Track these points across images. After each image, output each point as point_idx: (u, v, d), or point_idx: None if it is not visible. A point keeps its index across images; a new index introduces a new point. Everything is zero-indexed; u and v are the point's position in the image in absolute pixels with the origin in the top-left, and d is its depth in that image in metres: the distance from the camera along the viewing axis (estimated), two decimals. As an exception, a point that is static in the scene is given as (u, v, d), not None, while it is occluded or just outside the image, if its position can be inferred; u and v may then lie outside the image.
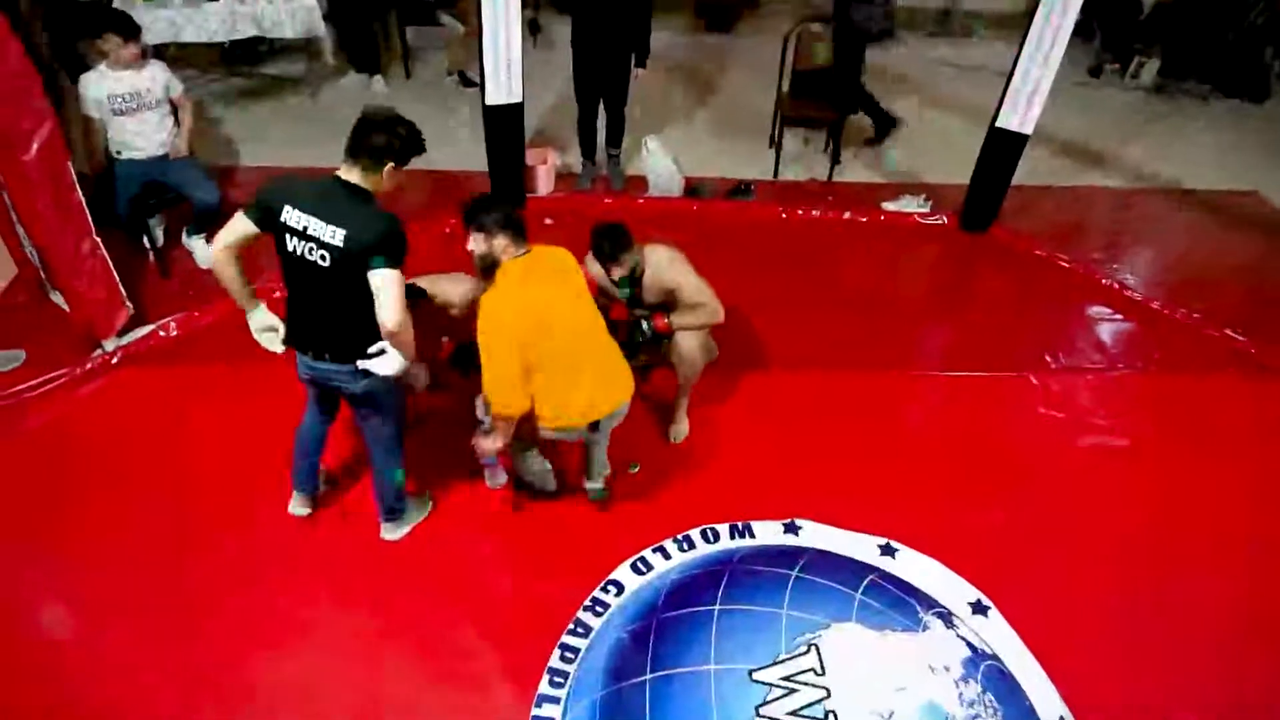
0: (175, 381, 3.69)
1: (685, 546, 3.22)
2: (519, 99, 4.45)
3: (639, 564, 3.15)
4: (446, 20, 6.24)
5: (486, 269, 2.84)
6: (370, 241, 2.40)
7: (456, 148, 5.55)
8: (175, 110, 4.14)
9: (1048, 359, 4.14)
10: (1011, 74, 4.44)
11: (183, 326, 3.91)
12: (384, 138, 2.43)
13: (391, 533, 3.13)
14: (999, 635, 2.99)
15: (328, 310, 2.59)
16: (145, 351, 3.80)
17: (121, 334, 3.75)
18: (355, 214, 2.42)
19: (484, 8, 4.10)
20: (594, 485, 3.26)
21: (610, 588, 3.06)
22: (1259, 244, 5.14)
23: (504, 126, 4.55)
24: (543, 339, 2.74)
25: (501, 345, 2.70)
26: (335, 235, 2.40)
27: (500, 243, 2.77)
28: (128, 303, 3.77)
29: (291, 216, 2.44)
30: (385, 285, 2.42)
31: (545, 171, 5.03)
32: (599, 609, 2.99)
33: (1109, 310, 4.51)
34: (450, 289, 3.34)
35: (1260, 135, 6.42)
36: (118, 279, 3.68)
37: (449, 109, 6.04)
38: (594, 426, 2.93)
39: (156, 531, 3.12)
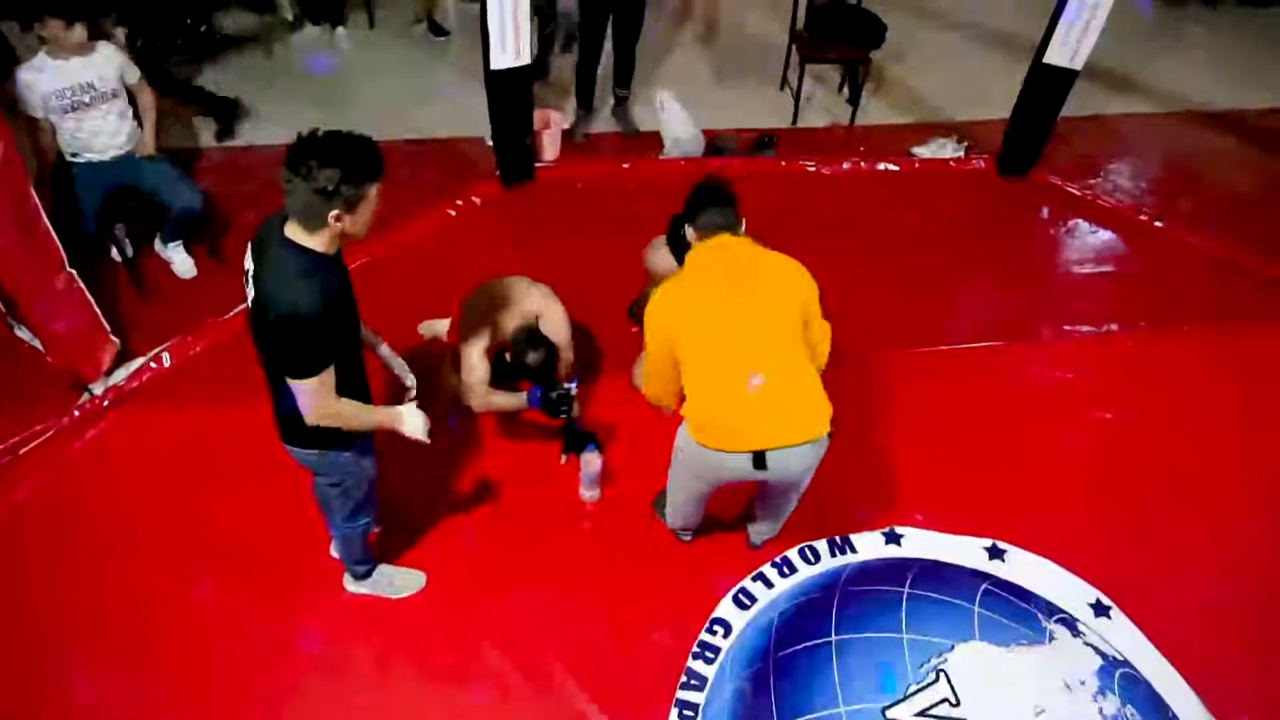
0: (178, 422, 3.23)
1: (786, 571, 2.97)
2: (527, 60, 3.94)
3: (741, 597, 2.89)
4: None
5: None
6: (265, 333, 1.92)
7: (438, 109, 5.01)
8: (133, 100, 3.55)
9: (1114, 320, 3.91)
10: (1063, 3, 4.07)
11: (176, 355, 3.42)
12: (311, 187, 1.77)
13: (349, 583, 2.80)
14: (1126, 638, 2.83)
15: (268, 377, 2.10)
16: (139, 389, 3.33)
17: (109, 373, 3.26)
18: (269, 278, 1.88)
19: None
20: (755, 537, 2.97)
21: (716, 628, 2.80)
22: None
23: (510, 92, 4.04)
24: (699, 339, 2.31)
25: (653, 340, 2.40)
26: (250, 297, 1.95)
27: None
28: (113, 337, 3.27)
29: (246, 259, 1.98)
30: (295, 391, 1.97)
31: (550, 136, 4.54)
32: (710, 655, 2.74)
33: (1176, 261, 4.26)
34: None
35: (1269, 41, 6.16)
36: (99, 312, 3.17)
37: (423, 63, 5.42)
38: (759, 462, 2.30)
39: (194, 613, 2.73)
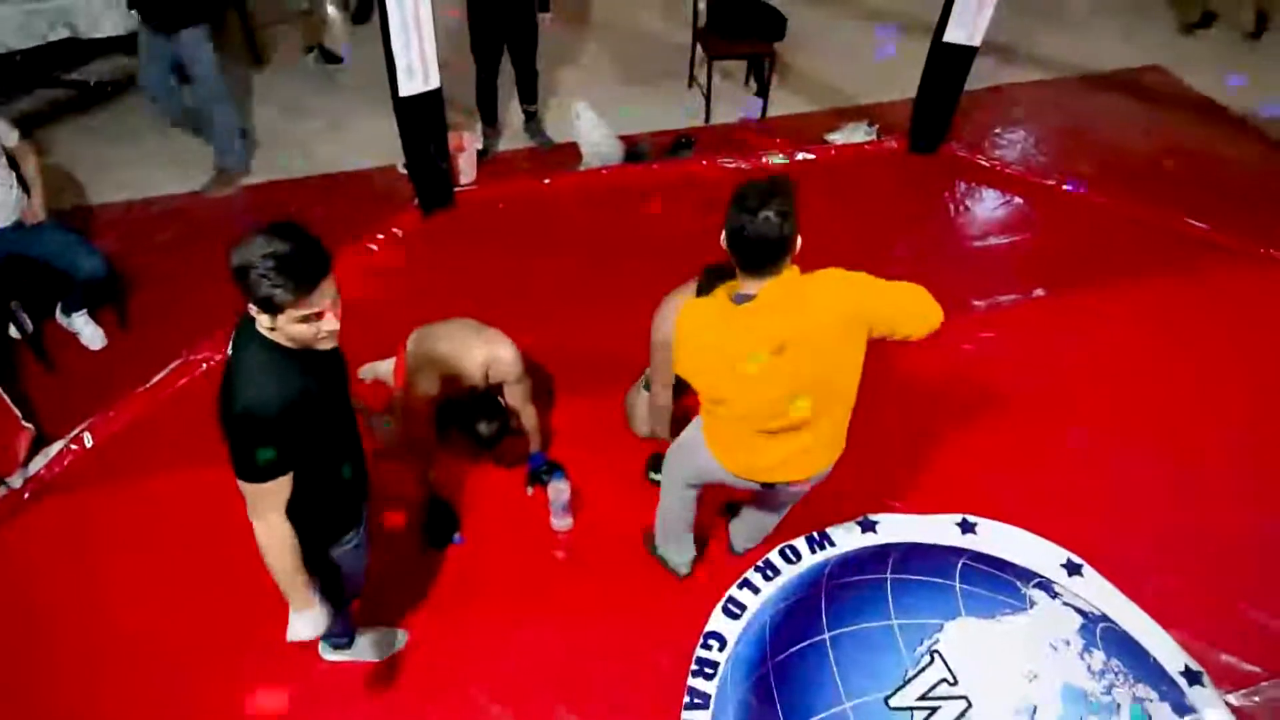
0: (107, 506, 3.02)
1: (770, 574, 2.96)
2: (436, 84, 3.82)
3: (730, 606, 2.86)
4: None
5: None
6: (222, 423, 1.75)
7: (342, 141, 4.83)
8: (14, 164, 3.27)
9: (1040, 285, 4.04)
10: (957, -17, 4.18)
11: (97, 434, 3.18)
12: (240, 284, 1.64)
13: (326, 652, 2.63)
14: (1100, 593, 2.93)
15: None
16: (61, 475, 3.08)
17: (26, 462, 3.01)
18: (233, 371, 1.76)
19: (386, -13, 3.42)
20: (738, 544, 2.94)
21: (711, 642, 2.77)
22: (1182, 122, 5.21)
23: (422, 117, 3.91)
24: (725, 393, 2.14)
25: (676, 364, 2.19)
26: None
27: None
28: (26, 423, 3.02)
29: (229, 346, 1.85)
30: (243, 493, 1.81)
31: (465, 158, 4.42)
32: (709, 670, 2.71)
33: (1087, 221, 4.41)
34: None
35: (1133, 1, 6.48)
36: (7, 398, 2.92)
37: (320, 94, 5.20)
38: (769, 486, 2.35)
39: (157, 700, 2.55)
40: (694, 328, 2.09)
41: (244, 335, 1.75)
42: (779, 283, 1.96)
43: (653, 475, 3.06)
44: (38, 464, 3.04)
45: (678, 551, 2.86)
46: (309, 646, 2.60)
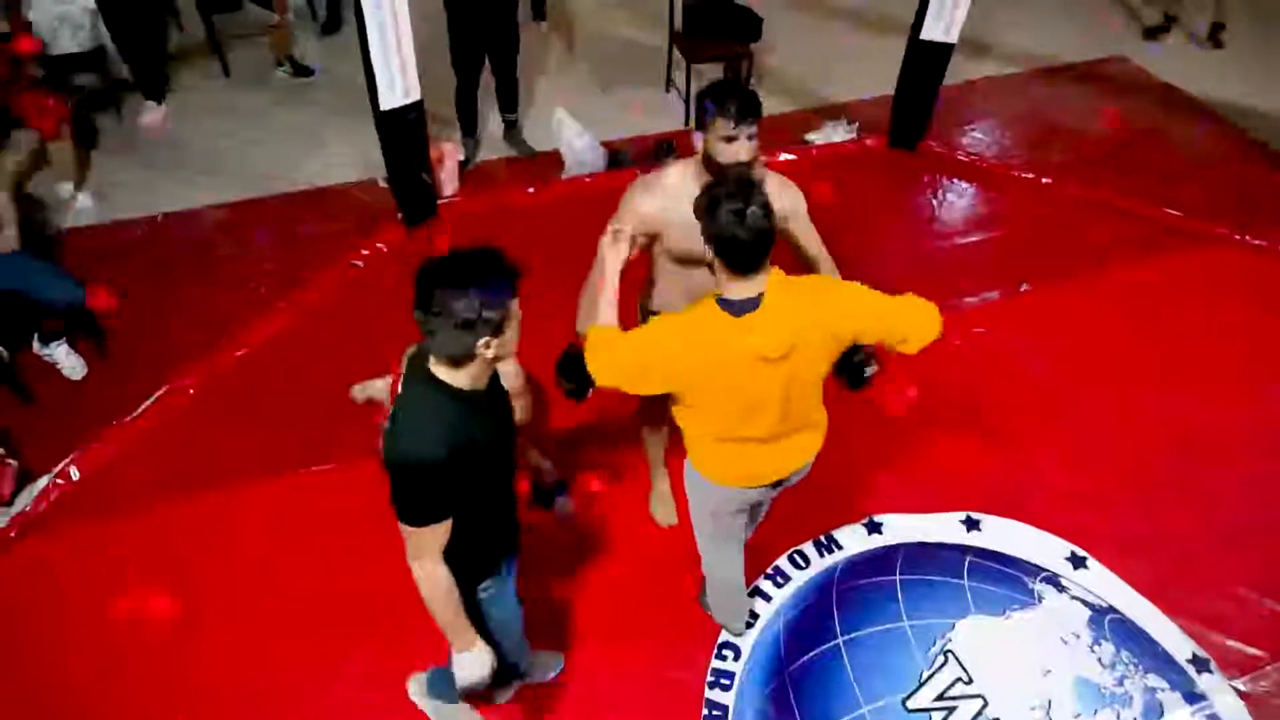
0: (97, 543, 2.91)
1: (780, 580, 2.95)
2: (417, 96, 3.76)
3: (743, 616, 2.85)
4: (252, 10, 5.24)
5: None
6: (386, 464, 1.70)
7: (319, 156, 4.75)
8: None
9: (1024, 278, 4.05)
10: (931, -20, 4.20)
11: (84, 467, 3.08)
12: (451, 323, 1.60)
13: (415, 694, 2.56)
14: (1106, 584, 2.96)
15: None
16: (48, 511, 2.98)
17: (11, 500, 2.91)
18: (400, 415, 1.72)
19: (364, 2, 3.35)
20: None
21: (726, 653, 2.76)
22: (1149, 110, 5.29)
23: (404, 130, 3.85)
24: (702, 396, 2.09)
25: (642, 354, 2.06)
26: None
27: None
28: (9, 459, 2.92)
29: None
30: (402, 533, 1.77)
31: (447, 170, 4.36)
32: (725, 681, 2.69)
33: (1069, 212, 4.44)
34: None
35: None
36: (-11, 437, 2.83)
37: (293, 108, 5.10)
38: (776, 485, 2.30)
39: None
40: (687, 347, 1.99)
41: (413, 374, 1.71)
42: (778, 286, 1.94)
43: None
44: (23, 500, 2.95)
45: (724, 610, 2.75)
46: (319, 682, 2.57)
